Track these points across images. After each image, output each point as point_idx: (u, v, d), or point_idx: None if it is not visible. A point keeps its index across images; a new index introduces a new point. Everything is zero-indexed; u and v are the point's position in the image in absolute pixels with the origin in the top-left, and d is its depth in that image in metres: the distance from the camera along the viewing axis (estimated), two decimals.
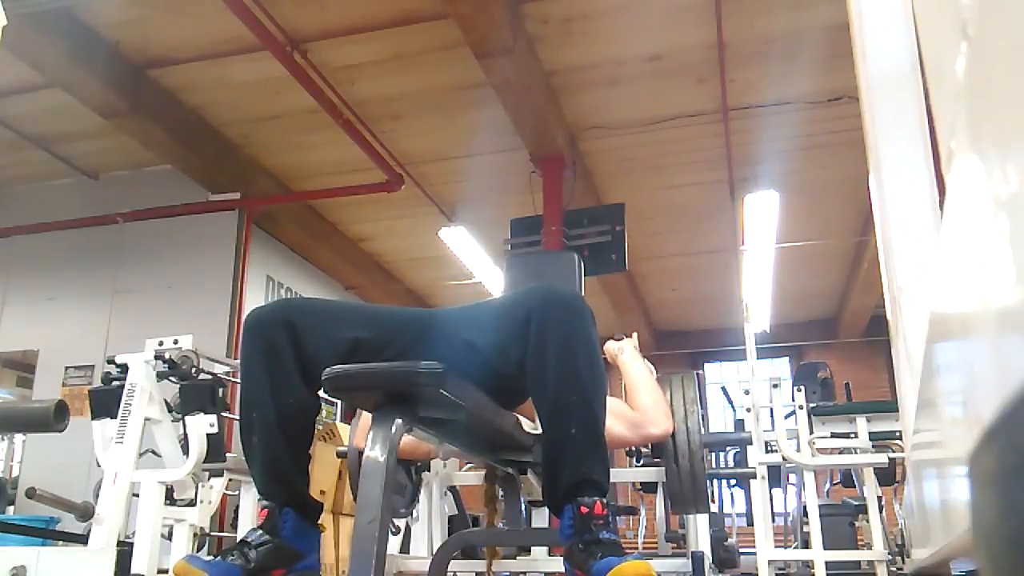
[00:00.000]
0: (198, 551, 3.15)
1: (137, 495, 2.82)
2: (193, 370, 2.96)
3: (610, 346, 2.29)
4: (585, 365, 1.48)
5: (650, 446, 2.20)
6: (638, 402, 2.07)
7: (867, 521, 3.65)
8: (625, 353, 2.24)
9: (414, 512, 2.67)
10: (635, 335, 2.36)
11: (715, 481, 5.30)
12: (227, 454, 3.49)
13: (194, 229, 6.68)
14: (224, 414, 3.06)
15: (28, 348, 7.07)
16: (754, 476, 3.54)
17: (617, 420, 1.95)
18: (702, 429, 2.14)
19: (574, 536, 1.41)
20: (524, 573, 2.53)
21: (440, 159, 6.66)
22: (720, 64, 5.45)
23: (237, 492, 3.87)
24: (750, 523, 3.87)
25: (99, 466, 2.83)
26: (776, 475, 4.63)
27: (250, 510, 3.57)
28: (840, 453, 3.96)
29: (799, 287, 9.22)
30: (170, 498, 2.93)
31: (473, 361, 1.54)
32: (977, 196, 0.41)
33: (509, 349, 1.53)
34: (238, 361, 3.40)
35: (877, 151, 1.54)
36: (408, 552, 2.69)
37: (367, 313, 1.75)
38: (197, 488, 3.02)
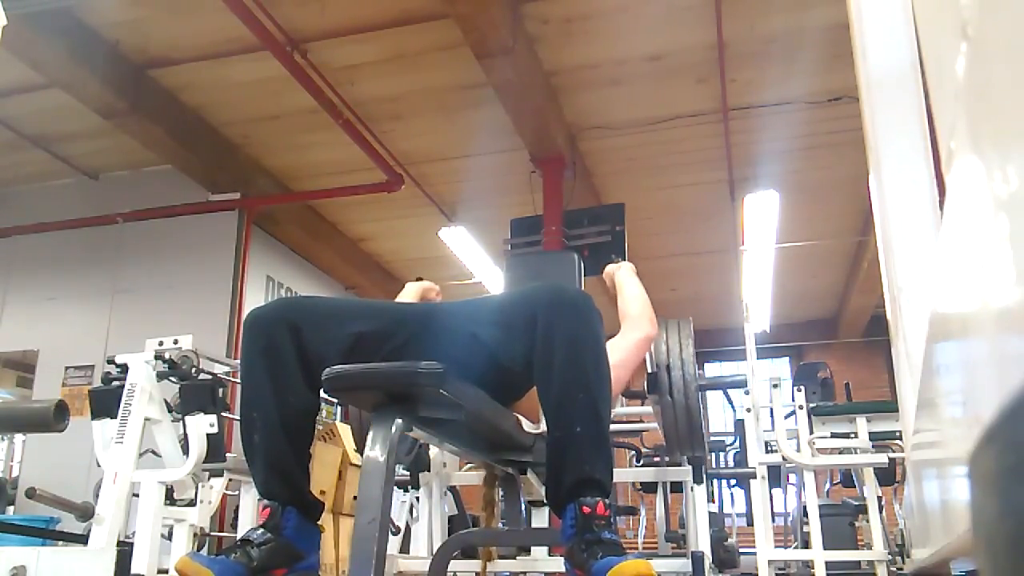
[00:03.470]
0: (198, 551, 3.15)
1: (137, 495, 2.82)
2: (193, 370, 2.96)
3: (609, 268, 2.38)
4: (592, 365, 1.48)
5: (645, 384, 2.21)
6: (626, 311, 2.15)
7: (867, 521, 3.65)
8: (622, 271, 2.33)
9: (414, 512, 2.68)
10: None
11: (715, 481, 5.30)
12: (227, 454, 3.50)
13: (194, 229, 6.67)
14: (224, 414, 3.06)
15: (28, 348, 7.06)
16: (754, 476, 3.55)
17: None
18: (696, 367, 2.17)
19: (575, 536, 1.41)
20: (524, 573, 2.53)
21: (440, 159, 6.66)
22: (720, 64, 5.45)
23: (237, 492, 3.87)
24: (750, 523, 3.87)
25: (99, 466, 2.83)
26: (776, 475, 4.63)
27: (250, 510, 3.57)
28: (840, 453, 3.96)
29: (799, 287, 9.21)
30: (170, 498, 2.93)
31: (476, 354, 1.54)
32: (977, 196, 0.41)
33: (514, 344, 1.53)
34: (238, 361, 3.41)
35: (877, 151, 1.54)
36: (408, 552, 2.69)
37: (368, 307, 1.74)
38: (197, 488, 3.03)
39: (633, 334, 2.06)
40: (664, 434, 2.20)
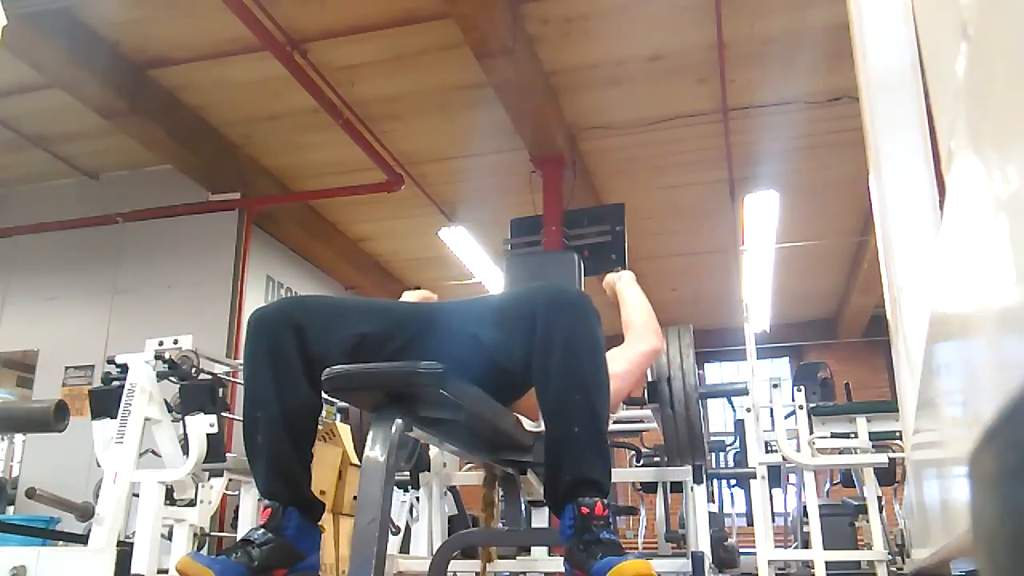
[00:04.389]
0: (198, 551, 3.15)
1: (137, 495, 2.82)
2: (193, 370, 2.96)
3: (609, 277, 2.36)
4: (590, 365, 1.48)
5: (645, 393, 2.20)
6: (630, 321, 2.13)
7: (867, 521, 3.65)
8: (623, 280, 2.31)
9: (414, 512, 2.68)
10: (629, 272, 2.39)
11: (715, 481, 5.30)
12: (227, 454, 3.49)
13: (194, 229, 6.67)
14: (224, 414, 3.06)
15: (28, 348, 7.06)
16: (754, 476, 3.55)
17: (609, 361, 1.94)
18: (697, 377, 2.16)
19: (574, 536, 1.41)
20: (524, 573, 2.53)
21: (440, 159, 6.66)
22: (720, 64, 5.45)
23: (237, 492, 3.87)
24: (750, 523, 3.87)
25: (99, 466, 2.83)
26: (776, 475, 4.63)
27: (250, 510, 3.57)
28: (840, 453, 3.96)
29: (799, 287, 9.21)
30: (170, 498, 2.93)
31: (476, 355, 1.54)
32: (977, 196, 0.41)
33: (513, 345, 1.53)
34: (238, 361, 3.41)
35: (877, 151, 1.54)
36: (408, 552, 2.69)
37: (370, 308, 1.74)
38: (197, 488, 3.02)
39: (639, 346, 2.03)
40: (665, 441, 2.20)
